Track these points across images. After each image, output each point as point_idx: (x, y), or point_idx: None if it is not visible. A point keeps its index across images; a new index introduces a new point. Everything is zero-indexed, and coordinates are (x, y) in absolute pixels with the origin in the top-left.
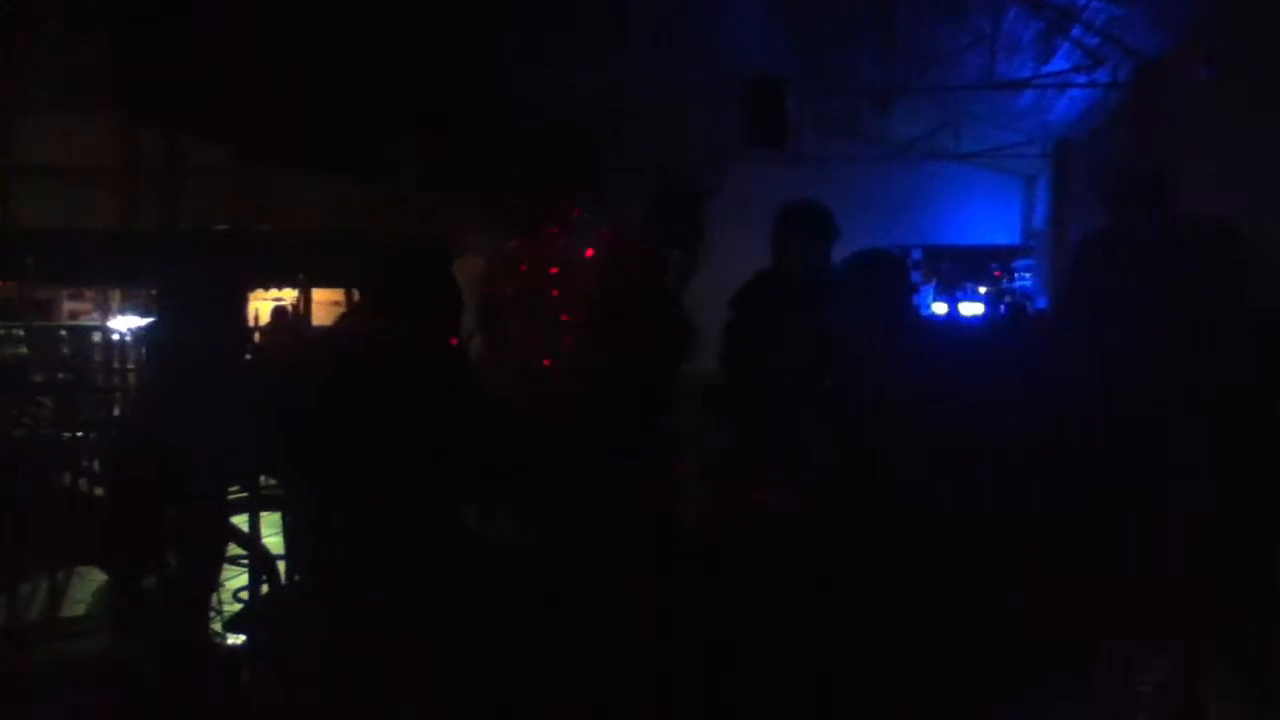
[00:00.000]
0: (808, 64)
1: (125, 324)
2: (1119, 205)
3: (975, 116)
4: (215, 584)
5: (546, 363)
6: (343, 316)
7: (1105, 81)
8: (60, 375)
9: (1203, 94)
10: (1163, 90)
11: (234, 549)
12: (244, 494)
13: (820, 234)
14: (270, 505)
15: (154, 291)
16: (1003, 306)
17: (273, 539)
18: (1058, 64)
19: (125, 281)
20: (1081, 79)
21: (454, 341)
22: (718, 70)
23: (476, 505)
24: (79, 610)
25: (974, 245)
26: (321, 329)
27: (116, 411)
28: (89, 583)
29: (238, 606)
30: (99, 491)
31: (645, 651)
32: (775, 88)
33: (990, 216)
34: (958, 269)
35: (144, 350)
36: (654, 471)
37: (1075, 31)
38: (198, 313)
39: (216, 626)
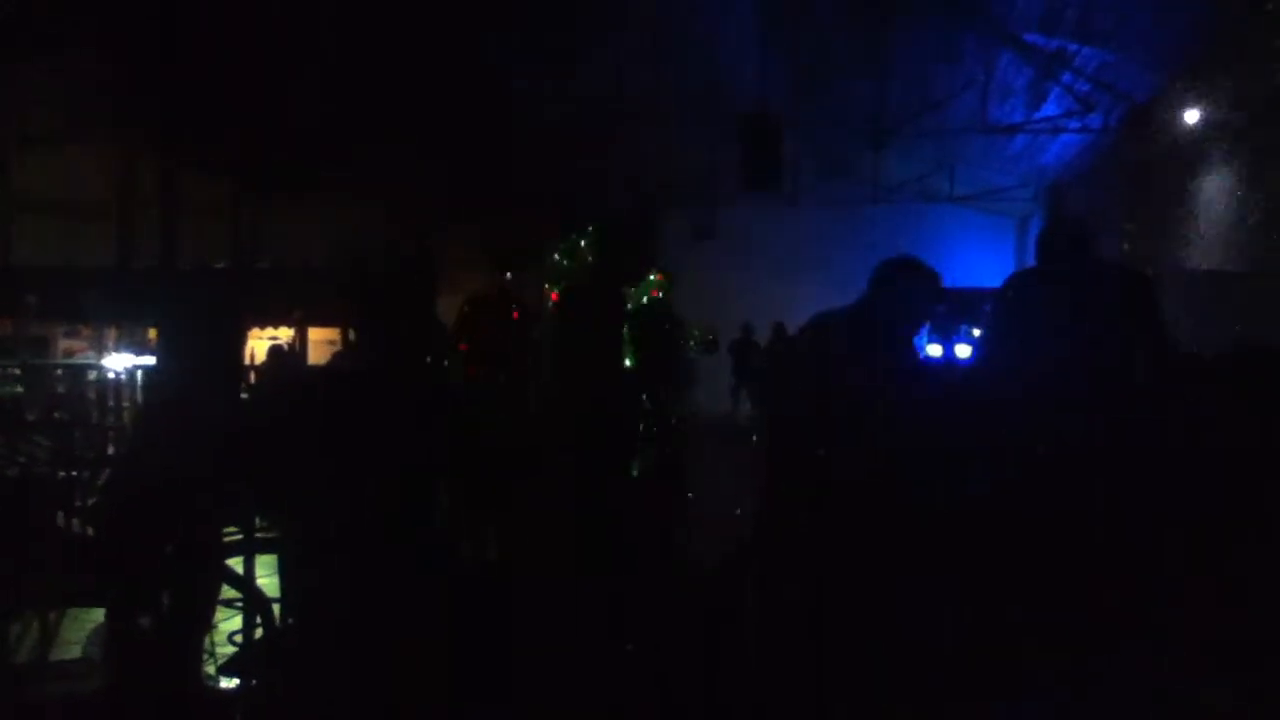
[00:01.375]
0: (803, 106)
1: (120, 362)
2: (1047, 248)
3: (969, 160)
4: (209, 625)
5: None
6: (336, 355)
7: (1096, 126)
8: (55, 414)
9: (1190, 137)
10: (1151, 134)
11: (228, 591)
12: (239, 536)
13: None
14: (265, 548)
15: (152, 329)
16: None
17: (265, 579)
18: (1049, 109)
19: (121, 319)
20: (1073, 124)
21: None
22: (715, 111)
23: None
24: (73, 652)
25: (968, 287)
26: (313, 368)
27: (111, 449)
28: (82, 624)
29: (232, 649)
30: (92, 531)
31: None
32: (771, 129)
33: (984, 258)
34: (952, 310)
35: (142, 388)
36: (645, 498)
37: (1066, 78)
38: (195, 351)
39: (210, 669)
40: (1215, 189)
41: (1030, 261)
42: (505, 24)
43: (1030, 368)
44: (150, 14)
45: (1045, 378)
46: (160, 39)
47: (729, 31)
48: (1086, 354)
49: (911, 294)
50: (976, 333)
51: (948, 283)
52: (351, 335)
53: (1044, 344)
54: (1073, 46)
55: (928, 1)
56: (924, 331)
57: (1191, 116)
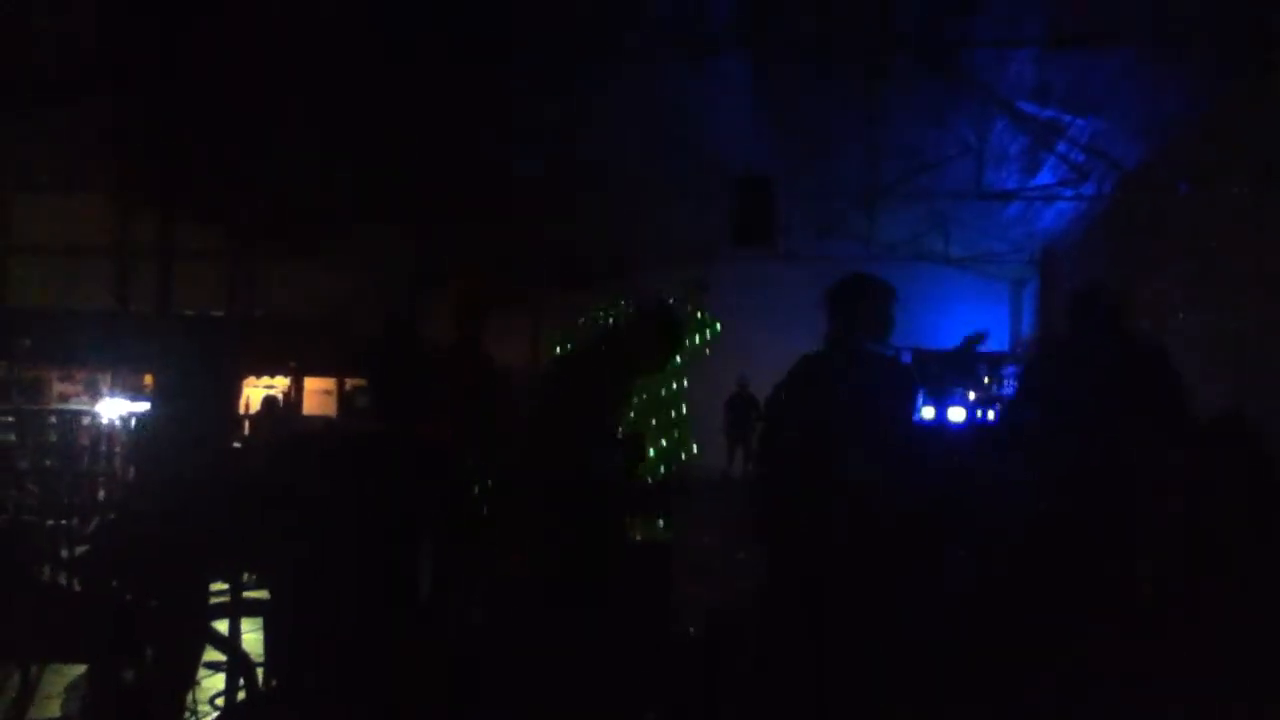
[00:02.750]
0: (797, 164)
1: (114, 408)
2: (1074, 318)
3: (963, 223)
4: (192, 683)
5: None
6: (342, 413)
7: (1090, 194)
8: (47, 462)
9: (1181, 205)
10: (1144, 202)
11: (213, 653)
12: (225, 597)
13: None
14: (251, 610)
15: (148, 375)
16: (992, 412)
17: (250, 635)
18: (1044, 177)
19: (119, 365)
20: (1067, 192)
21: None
22: (710, 167)
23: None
24: (52, 707)
25: (962, 349)
26: (311, 423)
27: (102, 495)
28: (63, 677)
29: (214, 712)
30: (78, 583)
31: None
32: (763, 187)
33: (978, 321)
34: (946, 373)
35: (135, 436)
36: (631, 575)
37: (1060, 147)
38: (189, 399)
39: None
40: (1208, 255)
41: (1025, 325)
42: (501, 83)
43: (1049, 442)
44: (152, 66)
45: (1062, 453)
46: (162, 89)
47: (725, 91)
48: (1103, 430)
49: (871, 306)
50: (971, 395)
51: (941, 344)
52: (349, 388)
53: (1064, 420)
54: (1066, 116)
55: (921, 67)
56: (919, 395)
57: (1184, 184)
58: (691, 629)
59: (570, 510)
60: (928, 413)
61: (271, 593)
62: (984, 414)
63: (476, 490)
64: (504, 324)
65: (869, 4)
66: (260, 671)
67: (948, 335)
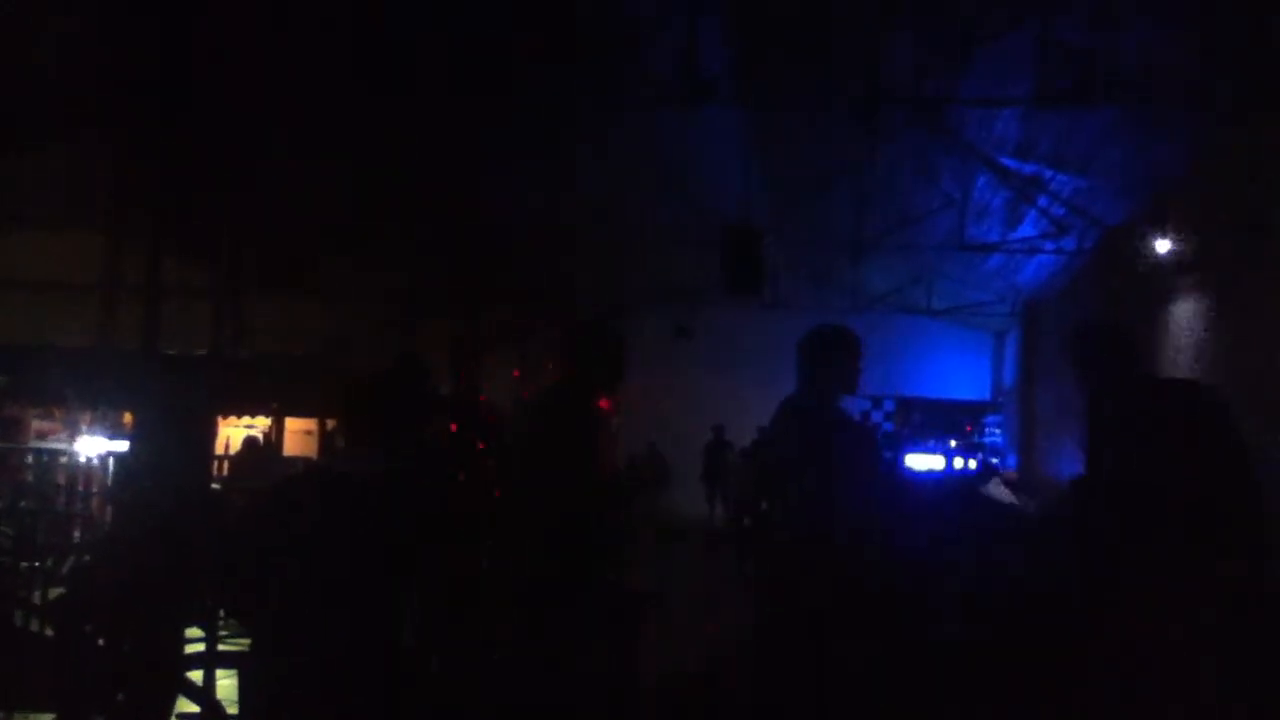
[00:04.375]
0: (786, 216)
1: (92, 446)
2: (1097, 360)
3: (947, 275)
4: None
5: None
6: (331, 453)
7: (1071, 248)
8: (22, 502)
9: (1162, 262)
10: (1125, 258)
11: (185, 704)
12: (200, 645)
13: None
14: (226, 662)
15: (127, 414)
16: (975, 461)
17: (224, 682)
18: (1025, 230)
19: (99, 403)
20: (1048, 245)
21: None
22: (699, 217)
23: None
24: None
25: (945, 398)
26: (296, 463)
27: (78, 535)
28: None
29: None
30: (50, 630)
31: None
32: (752, 237)
33: (961, 371)
34: (930, 421)
35: (114, 477)
36: (611, 628)
37: (1042, 201)
38: (170, 440)
39: None
40: (1186, 313)
41: (1009, 380)
42: (494, 128)
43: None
44: (144, 108)
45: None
46: (153, 131)
47: (717, 141)
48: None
49: (850, 359)
50: (954, 443)
51: (926, 393)
52: (329, 428)
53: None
54: (1048, 172)
55: (907, 123)
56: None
57: (1163, 243)
58: (690, 666)
59: (567, 543)
60: (911, 460)
61: (253, 635)
62: (966, 462)
63: (475, 532)
64: (493, 362)
65: (858, 60)
66: None
67: (931, 386)
